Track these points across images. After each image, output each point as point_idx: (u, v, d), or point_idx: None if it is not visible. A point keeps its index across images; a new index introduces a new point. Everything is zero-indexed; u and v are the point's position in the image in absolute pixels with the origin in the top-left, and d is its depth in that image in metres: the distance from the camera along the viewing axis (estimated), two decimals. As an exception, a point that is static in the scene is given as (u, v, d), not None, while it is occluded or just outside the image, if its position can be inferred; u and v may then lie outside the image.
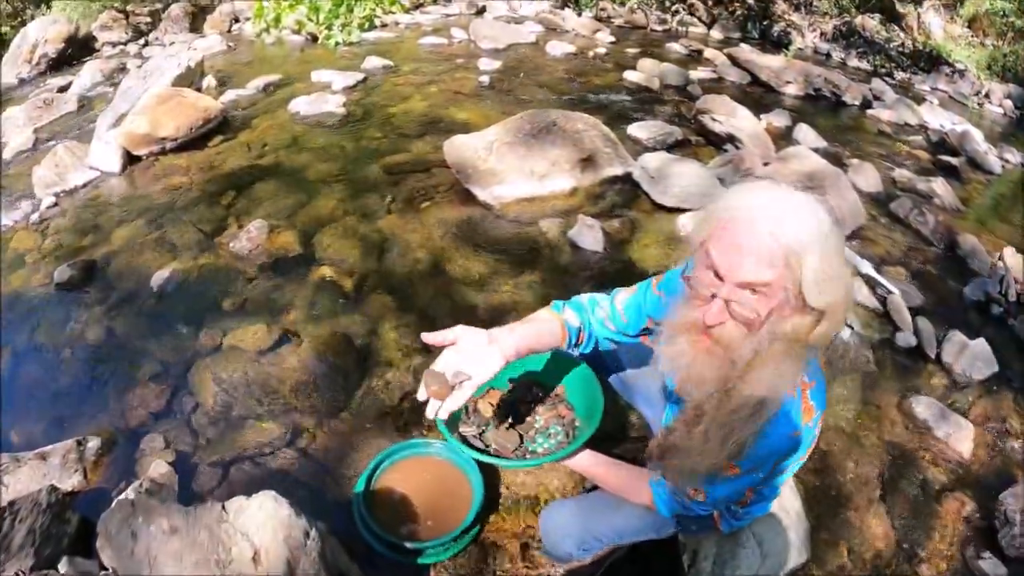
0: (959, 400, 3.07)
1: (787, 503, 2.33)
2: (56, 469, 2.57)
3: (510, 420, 1.85)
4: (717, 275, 1.30)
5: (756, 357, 1.33)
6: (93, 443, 2.65)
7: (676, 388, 1.57)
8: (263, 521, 1.86)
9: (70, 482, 2.55)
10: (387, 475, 2.36)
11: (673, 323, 1.45)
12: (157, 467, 2.48)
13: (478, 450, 1.74)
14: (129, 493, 2.38)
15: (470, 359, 1.49)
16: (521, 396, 1.96)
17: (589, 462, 1.82)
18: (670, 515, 1.72)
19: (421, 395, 1.48)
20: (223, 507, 1.95)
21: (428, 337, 1.55)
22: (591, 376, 1.91)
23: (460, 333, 1.53)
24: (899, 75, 8.34)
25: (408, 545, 2.11)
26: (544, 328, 1.68)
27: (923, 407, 2.92)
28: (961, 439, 2.81)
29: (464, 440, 1.77)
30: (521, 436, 1.83)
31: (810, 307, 1.27)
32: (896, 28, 8.85)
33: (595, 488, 1.91)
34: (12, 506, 2.29)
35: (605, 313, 1.77)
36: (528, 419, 1.91)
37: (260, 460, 2.52)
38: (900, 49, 8.53)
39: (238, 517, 1.91)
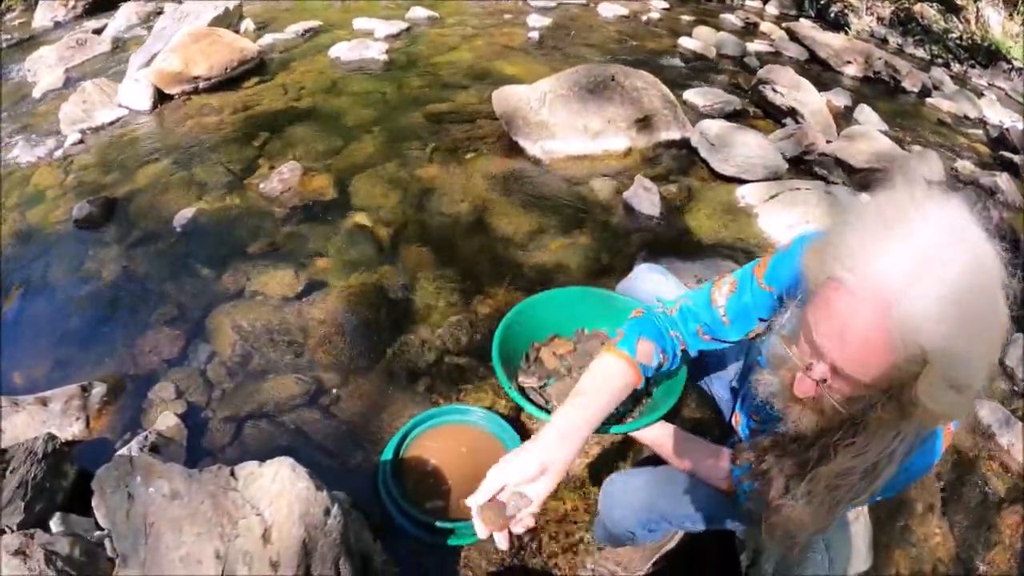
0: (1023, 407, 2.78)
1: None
2: (57, 416, 2.35)
3: (576, 375, 1.55)
4: (816, 348, 0.99)
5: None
6: (99, 389, 2.42)
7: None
8: (277, 493, 1.58)
9: (71, 430, 2.34)
10: (418, 443, 2.10)
11: (773, 355, 1.15)
12: (165, 419, 2.25)
13: (537, 406, 1.45)
14: (133, 446, 2.14)
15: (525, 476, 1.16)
16: (591, 348, 1.65)
17: (663, 434, 1.53)
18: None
19: (481, 533, 1.14)
20: (232, 472, 1.67)
21: (471, 501, 1.16)
22: None
23: (504, 479, 1.16)
24: (955, 67, 8.01)
25: (437, 524, 1.85)
26: (610, 396, 1.29)
27: (987, 412, 2.65)
28: (1025, 448, 2.56)
29: (522, 391, 1.48)
30: None
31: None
32: (954, 19, 8.46)
33: (661, 462, 1.58)
34: (3, 454, 2.06)
35: (701, 322, 1.38)
36: None
37: (278, 418, 2.27)
38: (958, 41, 8.18)
39: (249, 486, 1.63)
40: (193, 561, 1.51)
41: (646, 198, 3.42)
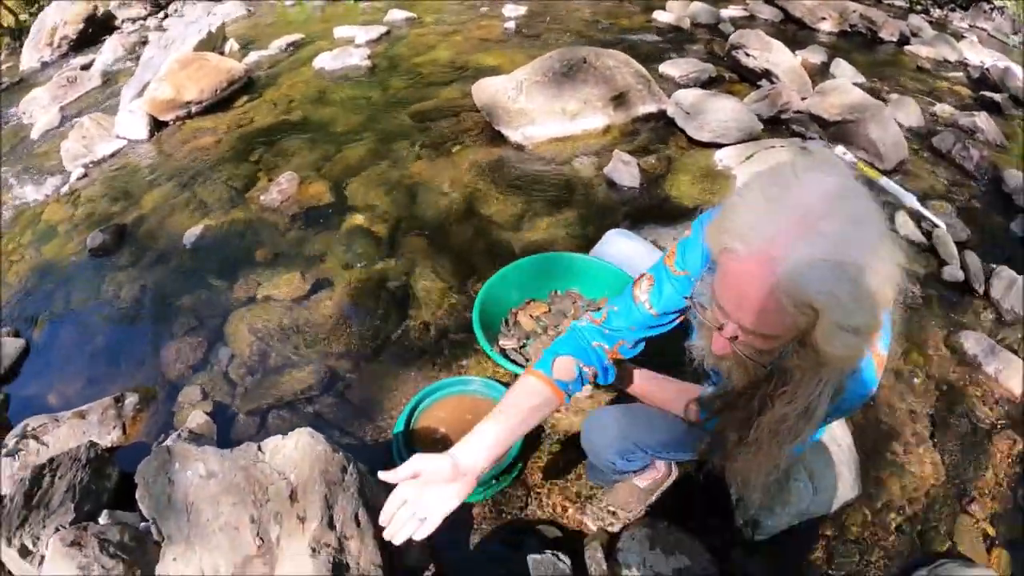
0: (1008, 336, 2.89)
1: (838, 436, 2.25)
2: (95, 426, 2.56)
3: (552, 333, 1.74)
4: (722, 311, 1.12)
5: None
6: (131, 399, 2.64)
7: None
8: (299, 458, 1.79)
9: (109, 438, 2.54)
10: (426, 414, 2.29)
11: (696, 322, 1.29)
12: (195, 418, 2.46)
13: (519, 365, 1.64)
14: (168, 443, 2.34)
15: (427, 497, 1.30)
16: (564, 307, 1.85)
17: (636, 378, 1.69)
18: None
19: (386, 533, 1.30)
20: (259, 447, 1.89)
21: (384, 475, 1.32)
22: (622, 276, 1.80)
23: (420, 466, 1.30)
24: (935, 12, 7.99)
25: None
26: (526, 413, 1.43)
27: (972, 343, 2.78)
28: (1011, 376, 2.66)
29: (504, 353, 1.67)
30: None
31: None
32: None
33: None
34: (52, 462, 2.28)
35: (632, 322, 1.50)
36: None
37: (298, 406, 2.48)
38: None
39: (274, 456, 1.85)
40: (231, 528, 1.72)
41: (625, 171, 3.58)
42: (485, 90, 4.10)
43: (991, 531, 2.20)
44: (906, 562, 2.09)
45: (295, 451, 1.80)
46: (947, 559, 2.07)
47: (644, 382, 1.70)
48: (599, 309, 1.52)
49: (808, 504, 2.10)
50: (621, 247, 1.98)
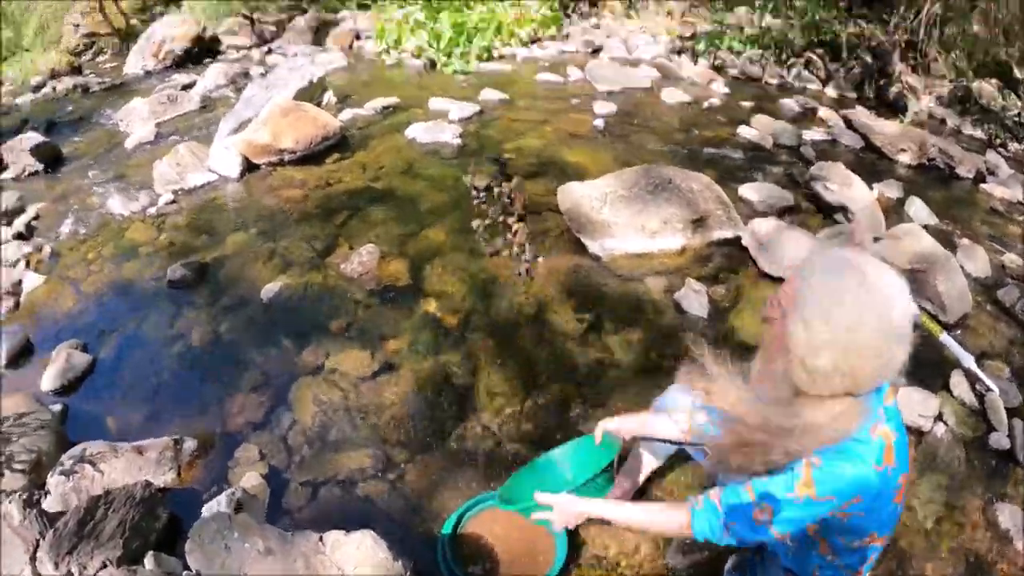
0: (1046, 513, 2.94)
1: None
2: (152, 464, 2.73)
3: None
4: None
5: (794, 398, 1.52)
6: (189, 444, 2.81)
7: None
8: (361, 560, 1.94)
9: (163, 479, 2.71)
10: (473, 522, 2.43)
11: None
12: (250, 479, 2.62)
13: None
14: (221, 500, 2.50)
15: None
16: None
17: (608, 507, 1.90)
18: (704, 539, 1.69)
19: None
20: (320, 538, 2.03)
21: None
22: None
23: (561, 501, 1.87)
24: (1013, 146, 7.99)
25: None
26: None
27: (1006, 516, 2.80)
28: (1043, 554, 2.70)
29: None
30: None
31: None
32: (1012, 95, 8.52)
33: None
34: (107, 495, 2.45)
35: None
36: None
37: (351, 487, 2.63)
38: (1016, 119, 8.18)
39: (335, 551, 1.99)
40: (286, 610, 1.85)
41: (695, 299, 3.71)
42: (571, 195, 4.29)
43: None
44: None
45: (357, 552, 1.94)
46: None
47: (623, 506, 1.97)
48: None
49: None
50: (673, 401, 2.19)
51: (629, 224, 4.17)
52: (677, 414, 2.01)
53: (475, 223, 4.21)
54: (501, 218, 4.26)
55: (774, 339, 1.56)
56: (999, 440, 3.14)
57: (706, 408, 1.85)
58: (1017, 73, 8.64)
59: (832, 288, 1.43)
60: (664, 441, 2.14)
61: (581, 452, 2.29)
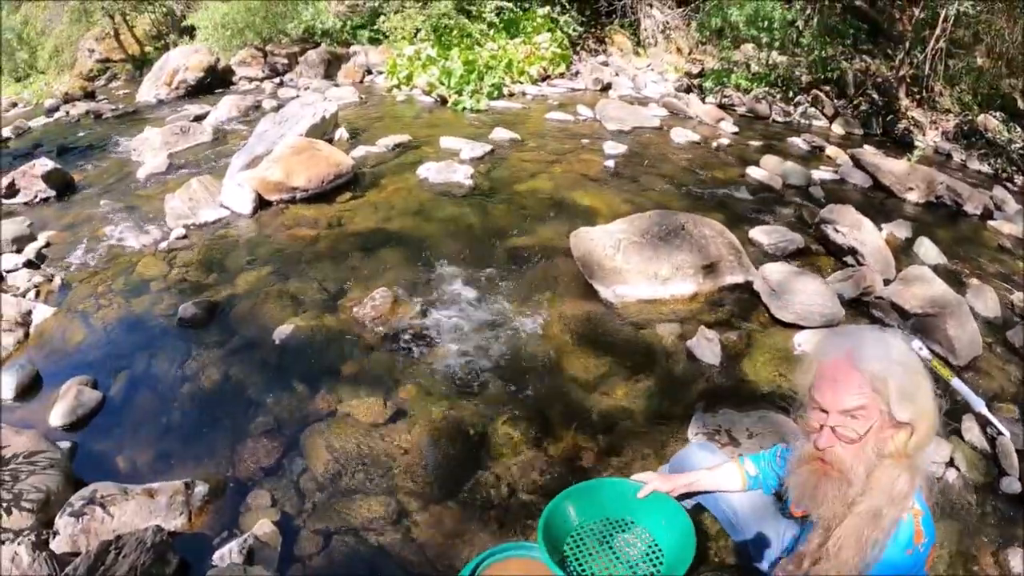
0: (1056, 560, 2.96)
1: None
2: (162, 508, 2.74)
3: None
4: (822, 410, 1.63)
5: (870, 475, 1.59)
6: (201, 488, 2.83)
7: (792, 505, 1.84)
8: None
9: (174, 523, 2.72)
10: (489, 572, 2.41)
11: (793, 460, 1.81)
12: (262, 526, 2.64)
13: None
14: (233, 547, 2.52)
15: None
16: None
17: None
18: None
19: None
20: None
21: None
22: (679, 511, 2.07)
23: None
24: (1020, 179, 8.05)
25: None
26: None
27: (1018, 561, 2.81)
28: (1053, 601, 2.71)
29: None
30: None
31: (899, 421, 1.56)
32: (1017, 128, 8.62)
33: None
34: (118, 540, 2.47)
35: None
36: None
37: (364, 536, 2.64)
38: (1022, 151, 8.26)
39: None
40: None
41: (707, 348, 3.74)
42: (583, 241, 4.36)
43: None
44: None
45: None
46: None
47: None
48: None
49: None
50: (698, 460, 2.26)
51: (641, 270, 4.23)
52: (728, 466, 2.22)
53: (488, 269, 4.26)
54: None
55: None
56: (1011, 484, 3.16)
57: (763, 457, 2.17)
58: (1021, 105, 8.75)
59: (903, 370, 1.57)
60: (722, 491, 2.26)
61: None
